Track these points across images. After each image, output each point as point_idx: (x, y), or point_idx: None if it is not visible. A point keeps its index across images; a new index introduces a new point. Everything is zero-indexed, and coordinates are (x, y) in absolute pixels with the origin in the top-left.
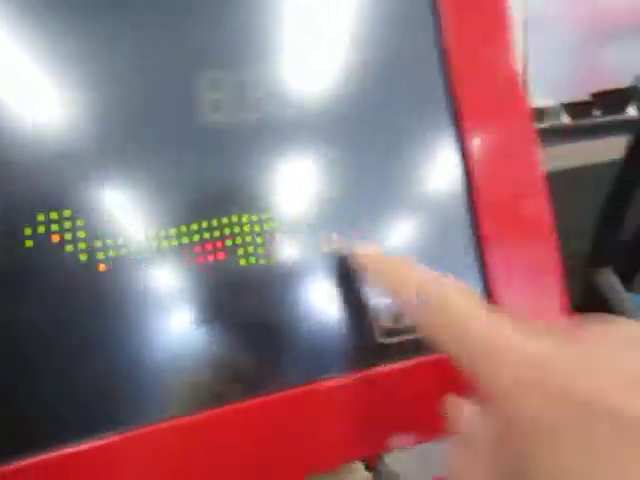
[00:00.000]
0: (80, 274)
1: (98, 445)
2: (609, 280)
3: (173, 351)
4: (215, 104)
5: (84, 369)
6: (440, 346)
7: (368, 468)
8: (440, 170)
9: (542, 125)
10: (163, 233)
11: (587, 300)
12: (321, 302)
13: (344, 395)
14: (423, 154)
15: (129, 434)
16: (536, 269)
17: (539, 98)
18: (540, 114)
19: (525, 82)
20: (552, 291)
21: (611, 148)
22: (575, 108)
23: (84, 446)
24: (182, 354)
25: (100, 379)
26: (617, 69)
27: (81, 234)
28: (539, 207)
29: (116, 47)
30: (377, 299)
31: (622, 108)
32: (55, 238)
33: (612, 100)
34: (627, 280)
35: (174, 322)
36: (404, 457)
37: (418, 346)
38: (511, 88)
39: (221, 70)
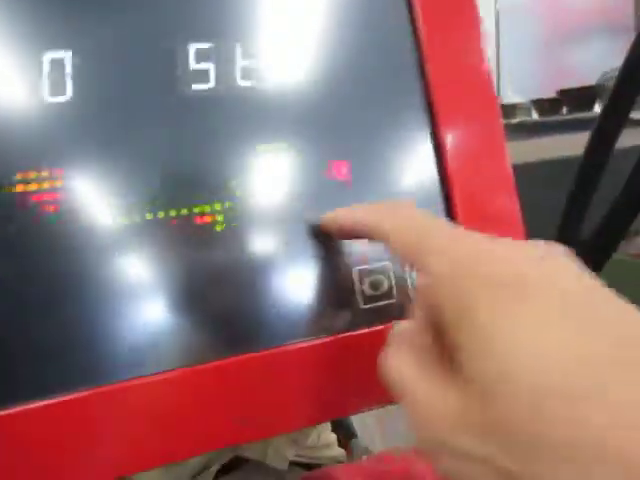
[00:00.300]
0: (54, 234)
1: (63, 400)
2: None
3: (146, 309)
4: (197, 75)
5: (57, 323)
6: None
7: (341, 444)
8: (417, 166)
9: (513, 121)
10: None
11: None
12: (308, 271)
13: (327, 355)
14: (401, 151)
15: (95, 391)
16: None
17: (511, 94)
18: (512, 110)
19: (497, 78)
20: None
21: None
22: (543, 105)
23: (50, 401)
24: (159, 312)
25: (68, 336)
26: (585, 67)
27: (60, 195)
28: (509, 200)
29: (101, 19)
30: (358, 266)
31: (589, 105)
32: (35, 198)
33: (579, 97)
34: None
35: (145, 283)
36: (376, 435)
37: (395, 311)
38: (483, 87)
39: (204, 41)
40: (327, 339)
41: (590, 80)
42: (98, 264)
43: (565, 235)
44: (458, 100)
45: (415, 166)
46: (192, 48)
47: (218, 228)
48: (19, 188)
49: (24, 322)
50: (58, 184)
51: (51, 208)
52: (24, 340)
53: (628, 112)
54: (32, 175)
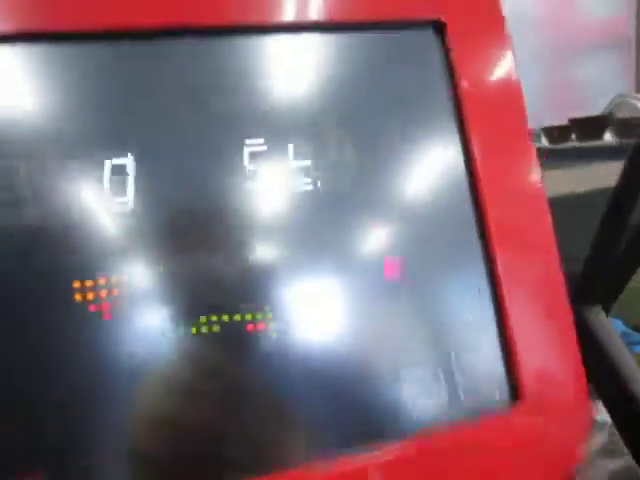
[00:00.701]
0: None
1: None
2: (599, 318)
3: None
4: (252, 174)
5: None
6: None
7: None
8: (447, 184)
9: None
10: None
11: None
12: (351, 373)
13: (370, 465)
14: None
15: None
16: (542, 280)
17: None
18: None
19: None
20: (557, 304)
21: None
22: (553, 132)
23: None
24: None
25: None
26: (590, 84)
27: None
28: (543, 225)
29: (160, 125)
30: (405, 367)
31: (599, 134)
32: (92, 307)
33: (589, 126)
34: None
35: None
36: None
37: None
38: (515, 107)
39: (258, 140)
40: (367, 450)
41: (595, 98)
42: (147, 374)
43: (593, 274)
44: (491, 120)
45: (447, 184)
46: (246, 150)
47: (272, 335)
48: (77, 297)
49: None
50: (114, 292)
51: (107, 317)
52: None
53: None
54: (89, 283)
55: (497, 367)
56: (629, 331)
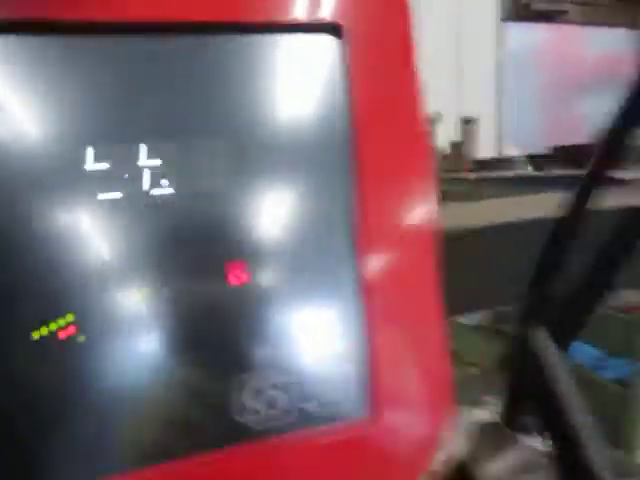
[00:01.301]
0: None
1: None
2: (542, 339)
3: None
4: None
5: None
6: None
7: None
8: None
9: (509, 174)
10: None
11: (521, 360)
12: None
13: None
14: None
15: None
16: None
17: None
18: (509, 163)
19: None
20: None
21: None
22: (537, 160)
23: None
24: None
25: None
26: (592, 120)
27: None
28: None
29: None
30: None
31: (585, 163)
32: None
33: (573, 154)
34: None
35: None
36: None
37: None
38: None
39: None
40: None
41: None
42: None
43: (535, 295)
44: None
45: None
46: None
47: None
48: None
49: None
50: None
51: None
52: None
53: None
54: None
55: (352, 378)
56: (600, 355)
